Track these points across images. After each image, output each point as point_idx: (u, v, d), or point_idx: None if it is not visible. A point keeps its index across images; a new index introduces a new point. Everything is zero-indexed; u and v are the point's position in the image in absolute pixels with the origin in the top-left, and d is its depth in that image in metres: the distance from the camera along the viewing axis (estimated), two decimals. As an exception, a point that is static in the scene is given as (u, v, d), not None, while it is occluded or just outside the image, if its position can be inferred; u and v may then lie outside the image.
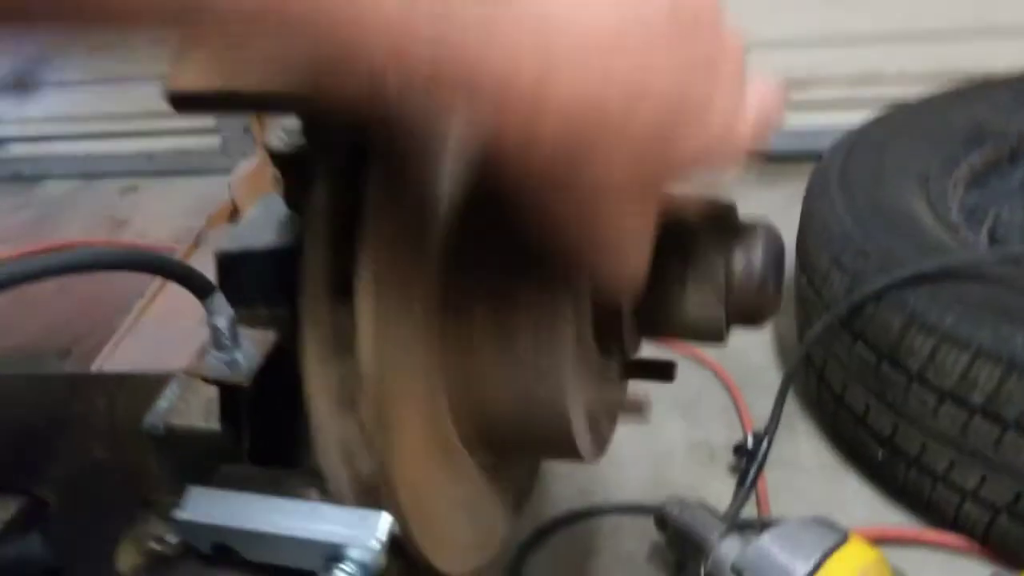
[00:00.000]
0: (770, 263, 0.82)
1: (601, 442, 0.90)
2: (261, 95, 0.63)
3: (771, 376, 1.82)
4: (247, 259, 0.93)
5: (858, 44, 2.57)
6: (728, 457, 1.64)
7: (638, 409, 0.80)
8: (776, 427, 1.56)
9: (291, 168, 0.84)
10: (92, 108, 3.19)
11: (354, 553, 0.67)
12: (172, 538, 0.73)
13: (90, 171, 3.22)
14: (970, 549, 1.40)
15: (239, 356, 0.95)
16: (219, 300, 0.90)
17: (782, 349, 1.88)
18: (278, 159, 0.84)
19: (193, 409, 1.04)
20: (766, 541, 1.26)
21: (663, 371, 0.96)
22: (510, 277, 0.72)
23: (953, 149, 1.74)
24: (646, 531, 1.52)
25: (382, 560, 0.67)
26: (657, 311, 0.83)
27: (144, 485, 1.10)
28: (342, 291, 0.67)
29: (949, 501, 1.39)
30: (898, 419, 1.41)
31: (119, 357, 1.66)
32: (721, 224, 0.83)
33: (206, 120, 3.07)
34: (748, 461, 1.56)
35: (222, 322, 0.92)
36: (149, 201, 3.04)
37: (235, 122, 2.98)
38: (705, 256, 0.81)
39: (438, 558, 0.77)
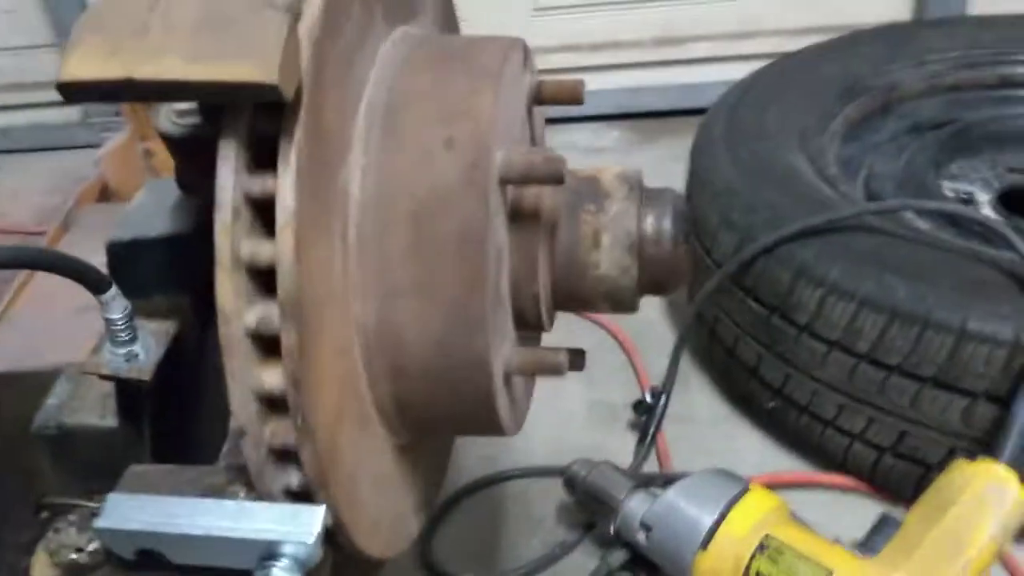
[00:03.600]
0: (680, 228, 0.84)
1: (519, 413, 0.90)
2: (162, 83, 0.59)
3: (664, 334, 1.86)
4: (141, 248, 0.89)
5: (735, 0, 2.62)
6: (628, 415, 1.68)
7: (555, 366, 0.80)
8: (672, 383, 1.60)
9: (186, 150, 0.80)
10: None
11: (288, 549, 0.65)
12: (91, 547, 0.70)
13: (-62, 149, 3.00)
14: (857, 488, 1.48)
15: (138, 349, 0.91)
16: (114, 294, 0.86)
17: (673, 308, 1.93)
18: (172, 142, 0.80)
19: (88, 406, 1.00)
20: (671, 496, 1.30)
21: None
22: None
23: (829, 103, 1.81)
24: (553, 493, 1.54)
25: (318, 554, 0.66)
26: (571, 276, 0.83)
27: (38, 489, 1.05)
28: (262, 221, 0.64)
29: (838, 444, 1.46)
30: (788, 369, 1.47)
31: (-8, 351, 1.56)
32: (631, 190, 0.84)
33: (63, 92, 2.90)
34: (647, 418, 1.60)
35: (117, 315, 0.88)
36: (6, 179, 2.86)
37: (96, 93, 2.82)
38: (619, 220, 0.81)
39: (368, 543, 0.76)
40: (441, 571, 1.43)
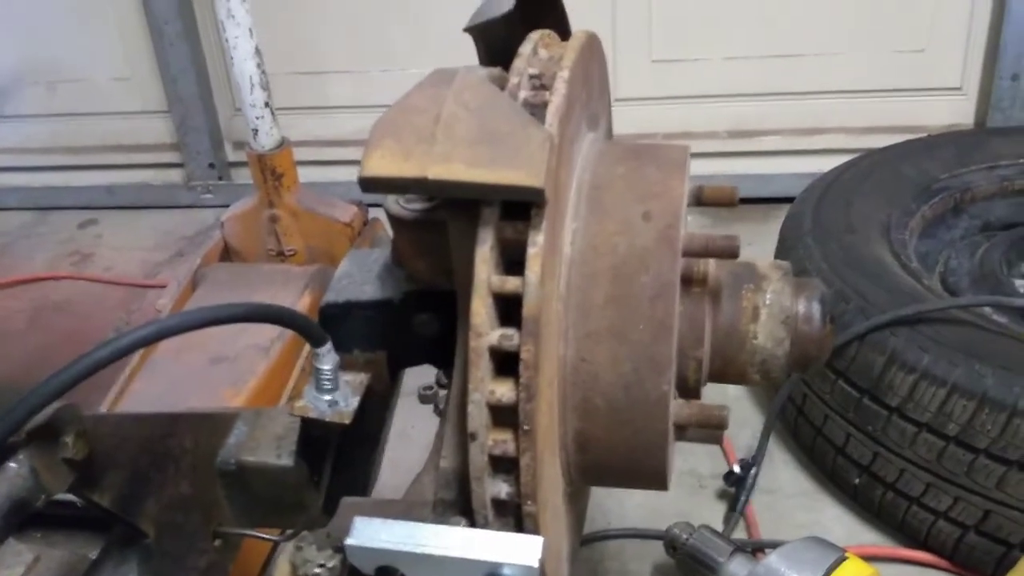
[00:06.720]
0: (827, 311, 0.96)
1: (671, 470, 1.01)
2: (449, 183, 0.73)
3: (746, 409, 1.97)
4: (353, 309, 1.02)
5: (803, 98, 2.79)
6: (714, 485, 1.78)
7: (719, 420, 0.91)
8: (763, 456, 1.71)
9: (409, 230, 0.94)
10: (48, 141, 3.17)
11: (508, 571, 0.77)
12: (331, 563, 0.82)
13: (45, 203, 3.19)
14: (938, 564, 1.57)
15: (338, 397, 1.04)
16: (329, 348, 0.99)
17: (753, 389, 2.04)
18: (398, 222, 0.94)
19: (264, 446, 1.12)
20: (773, 560, 1.40)
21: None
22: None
23: (907, 201, 1.94)
24: (647, 554, 1.64)
25: (537, 578, 0.77)
26: (730, 345, 0.95)
27: (214, 520, 1.17)
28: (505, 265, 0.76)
29: (922, 521, 1.56)
30: (877, 448, 1.57)
31: (135, 396, 1.70)
32: (785, 275, 0.97)
33: (169, 154, 3.10)
34: (738, 488, 1.71)
35: (327, 367, 1.01)
36: (110, 235, 3.04)
37: (201, 158, 3.02)
38: (775, 298, 0.94)
39: (549, 567, 0.87)
40: (547, 622, 1.52)
